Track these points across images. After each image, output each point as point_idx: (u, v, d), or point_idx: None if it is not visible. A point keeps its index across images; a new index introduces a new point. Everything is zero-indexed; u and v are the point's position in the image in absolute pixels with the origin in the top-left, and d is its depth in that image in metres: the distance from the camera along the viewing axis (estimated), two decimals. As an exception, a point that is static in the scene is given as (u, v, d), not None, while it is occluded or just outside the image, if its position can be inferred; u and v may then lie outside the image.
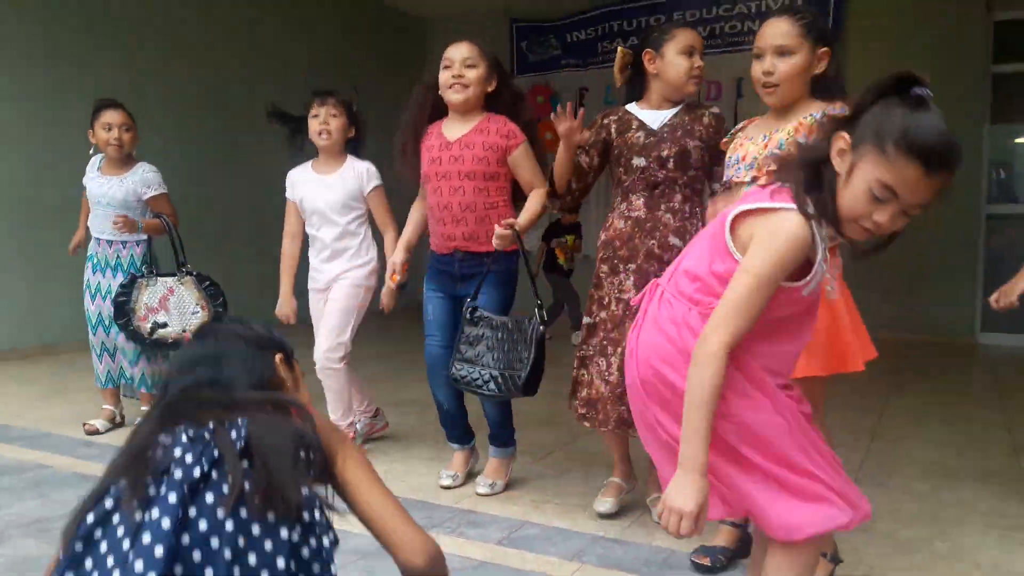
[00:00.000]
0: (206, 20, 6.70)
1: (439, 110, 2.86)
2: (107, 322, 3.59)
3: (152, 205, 3.65)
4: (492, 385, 2.62)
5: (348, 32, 8.13)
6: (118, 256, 3.62)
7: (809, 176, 1.41)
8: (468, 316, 2.71)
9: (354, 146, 3.32)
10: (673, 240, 2.49)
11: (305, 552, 1.13)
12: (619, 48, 2.63)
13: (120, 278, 3.56)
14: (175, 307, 3.48)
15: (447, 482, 2.92)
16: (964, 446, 3.50)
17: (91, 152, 3.72)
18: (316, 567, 1.13)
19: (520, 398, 2.63)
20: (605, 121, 2.64)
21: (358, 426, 3.40)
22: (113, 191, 3.59)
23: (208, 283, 3.57)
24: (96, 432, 3.59)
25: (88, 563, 1.05)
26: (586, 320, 2.63)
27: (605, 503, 2.66)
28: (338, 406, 3.28)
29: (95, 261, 3.67)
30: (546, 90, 8.91)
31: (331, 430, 1.29)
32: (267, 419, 1.19)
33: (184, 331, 3.45)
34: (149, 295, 3.46)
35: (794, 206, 1.37)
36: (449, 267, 2.83)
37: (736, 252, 1.42)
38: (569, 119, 2.49)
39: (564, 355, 6.06)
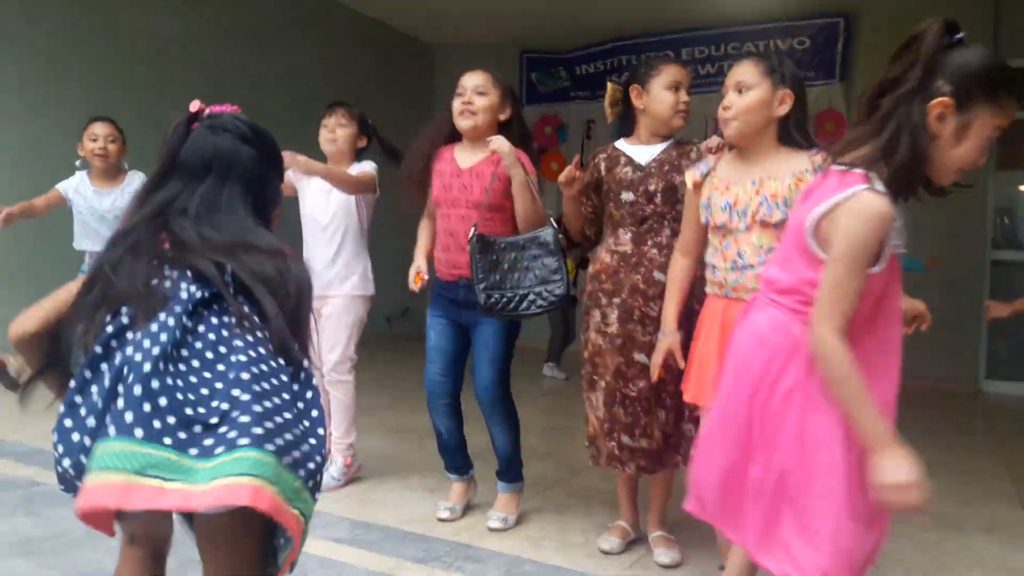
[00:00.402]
0: (217, 47, 6.75)
1: (456, 136, 2.87)
2: None
3: None
4: (540, 302, 2.61)
5: (358, 58, 8.18)
6: None
7: (888, 151, 1.43)
8: (476, 243, 2.64)
9: (360, 153, 3.33)
10: (658, 275, 2.47)
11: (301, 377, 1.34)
12: (608, 84, 2.68)
13: None
14: None
15: (445, 515, 2.87)
16: (970, 497, 3.45)
17: (77, 164, 3.69)
18: (309, 393, 1.33)
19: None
20: (596, 160, 2.67)
21: (334, 467, 3.24)
22: (118, 201, 3.56)
23: None
24: None
25: (104, 366, 1.23)
26: (584, 354, 2.63)
27: (611, 541, 2.62)
28: (343, 421, 3.24)
29: None
30: (554, 120, 8.96)
31: None
32: (262, 260, 1.37)
33: None
34: None
35: (868, 184, 1.39)
36: (454, 294, 2.80)
37: (823, 253, 1.45)
38: (571, 170, 2.54)
39: (563, 390, 6.08)
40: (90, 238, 3.65)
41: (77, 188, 3.67)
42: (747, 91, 2.08)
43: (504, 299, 2.61)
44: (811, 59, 7.64)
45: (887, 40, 7.86)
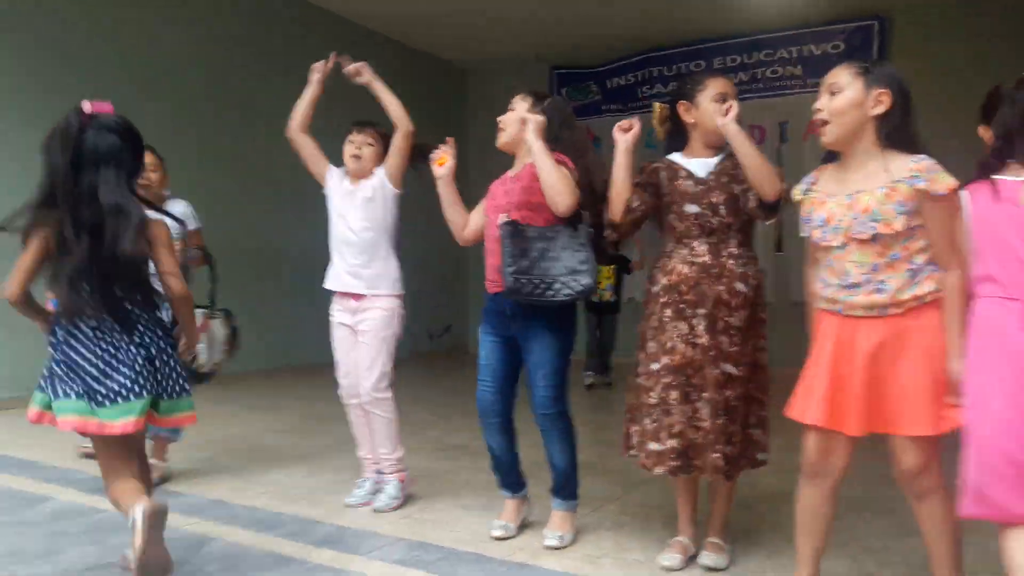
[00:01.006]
0: (252, 65, 6.89)
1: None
2: None
3: (191, 239, 3.68)
4: (566, 290, 2.62)
5: (393, 80, 8.26)
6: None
7: None
8: (506, 228, 2.66)
9: None
10: (739, 286, 2.50)
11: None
12: (655, 104, 2.73)
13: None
14: (207, 340, 3.48)
15: (499, 533, 2.87)
16: None
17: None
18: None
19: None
20: (654, 166, 2.69)
21: (390, 487, 3.25)
22: None
23: (233, 327, 3.58)
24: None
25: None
26: (653, 366, 2.56)
27: (672, 557, 2.60)
28: (389, 438, 3.23)
29: None
30: (587, 135, 8.98)
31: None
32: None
33: (215, 363, 3.46)
34: None
35: None
36: (500, 305, 2.81)
37: None
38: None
39: (614, 403, 6.03)
40: None
41: None
42: (839, 93, 2.05)
43: (531, 284, 2.62)
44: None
45: (922, 41, 7.85)
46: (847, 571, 2.59)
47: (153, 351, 2.31)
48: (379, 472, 3.28)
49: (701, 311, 2.51)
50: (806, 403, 2.12)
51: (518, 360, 2.85)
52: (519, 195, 2.77)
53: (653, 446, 2.52)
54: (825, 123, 2.08)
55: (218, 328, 3.54)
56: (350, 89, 3.16)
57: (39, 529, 2.92)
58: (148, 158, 3.59)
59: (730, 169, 2.57)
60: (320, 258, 3.41)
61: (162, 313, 2.75)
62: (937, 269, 2.01)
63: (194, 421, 2.43)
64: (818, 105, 2.09)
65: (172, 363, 2.37)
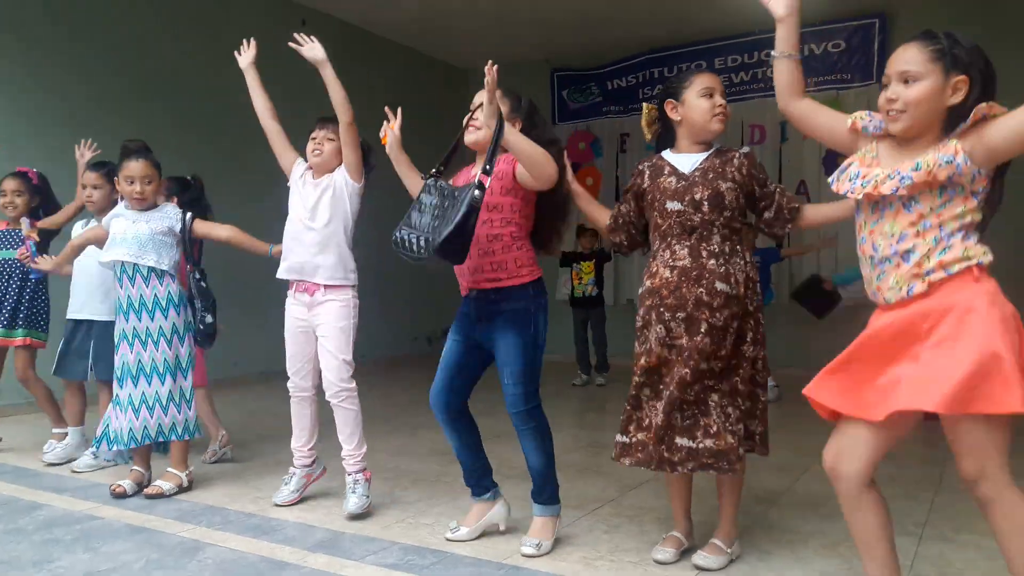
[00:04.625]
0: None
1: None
2: (148, 370, 3.41)
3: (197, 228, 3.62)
4: (417, 245, 2.54)
5: (395, 84, 8.30)
6: (153, 294, 3.44)
7: None
8: (426, 183, 2.64)
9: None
10: (720, 286, 2.50)
11: None
12: (644, 105, 2.73)
13: (156, 317, 3.43)
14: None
15: (448, 534, 2.87)
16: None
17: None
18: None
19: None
20: (640, 168, 2.71)
21: (360, 487, 3.21)
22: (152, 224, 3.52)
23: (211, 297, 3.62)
24: (124, 494, 3.41)
25: None
26: (641, 362, 2.61)
27: (665, 552, 2.61)
28: (354, 433, 3.21)
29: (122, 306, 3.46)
30: (587, 136, 8.97)
31: None
32: None
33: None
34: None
35: None
36: (467, 307, 2.81)
37: None
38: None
39: (608, 403, 6.01)
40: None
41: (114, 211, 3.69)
42: (915, 82, 1.84)
43: (406, 239, 2.58)
44: (847, 61, 7.53)
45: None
46: (836, 571, 2.57)
47: None
48: (346, 472, 3.23)
49: (680, 314, 2.52)
50: (817, 380, 1.96)
51: (476, 363, 2.84)
52: (487, 197, 2.62)
53: (620, 438, 2.62)
54: (900, 111, 1.86)
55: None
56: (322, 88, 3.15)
57: (33, 537, 2.91)
58: (142, 169, 3.47)
59: (717, 166, 2.56)
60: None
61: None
62: (968, 237, 1.84)
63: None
64: (891, 95, 1.87)
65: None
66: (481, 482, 2.92)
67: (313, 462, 3.40)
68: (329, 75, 3.15)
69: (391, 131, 2.97)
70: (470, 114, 2.77)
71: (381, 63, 8.20)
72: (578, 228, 7.00)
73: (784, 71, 2.10)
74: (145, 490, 3.45)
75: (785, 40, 2.09)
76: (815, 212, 2.61)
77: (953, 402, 1.70)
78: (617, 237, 2.81)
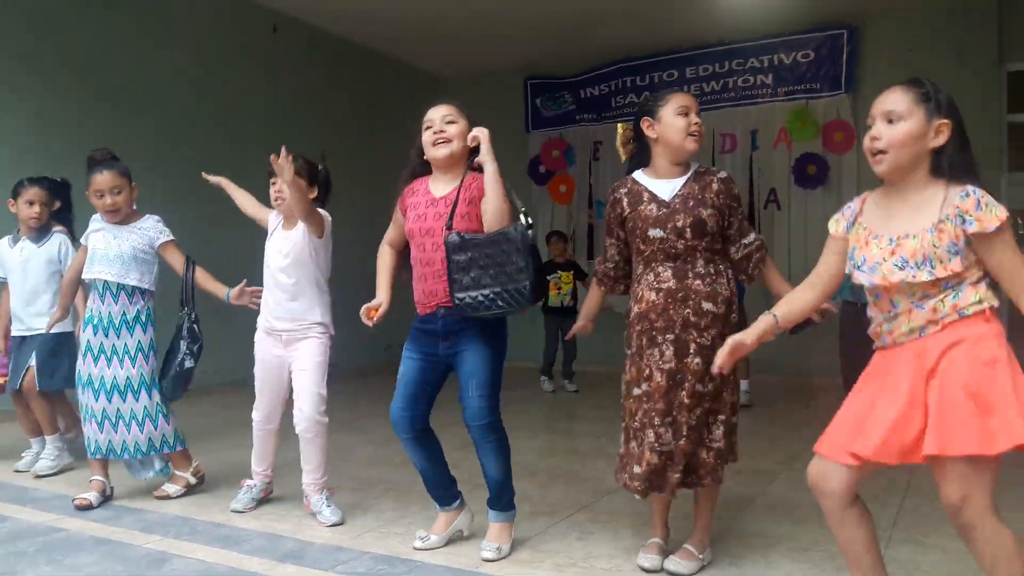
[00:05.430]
0: (225, 80, 6.84)
1: (426, 170, 2.87)
2: (122, 387, 3.40)
3: (164, 250, 3.52)
4: (499, 302, 2.57)
5: (367, 91, 8.27)
6: (126, 312, 3.44)
7: None
8: (448, 242, 2.62)
9: (319, 204, 3.30)
10: (706, 305, 2.53)
11: None
12: (618, 125, 2.76)
13: (124, 335, 3.42)
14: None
15: (416, 544, 2.85)
16: (1001, 502, 3.36)
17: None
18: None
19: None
20: (617, 195, 2.72)
21: (328, 509, 3.22)
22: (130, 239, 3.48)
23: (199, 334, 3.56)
24: (90, 506, 3.34)
25: None
26: (635, 391, 2.60)
27: (651, 559, 2.61)
28: (322, 463, 3.24)
29: (93, 320, 3.44)
30: (561, 144, 8.99)
31: None
32: None
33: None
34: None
35: None
36: (432, 325, 2.77)
37: None
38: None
39: (581, 411, 6.01)
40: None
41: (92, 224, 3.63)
42: (898, 121, 1.90)
43: (475, 300, 2.59)
44: (816, 71, 7.64)
45: (892, 49, 7.92)
46: (806, 574, 2.59)
47: None
48: (310, 495, 3.25)
49: (669, 336, 2.53)
50: (837, 438, 1.96)
51: (438, 379, 2.83)
52: (455, 221, 2.66)
53: (637, 469, 2.55)
54: (881, 152, 1.91)
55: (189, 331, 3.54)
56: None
57: (-6, 549, 2.85)
58: (109, 180, 3.37)
59: (696, 192, 2.58)
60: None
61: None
62: (981, 282, 1.90)
63: None
64: (874, 133, 1.92)
65: None
66: (449, 492, 2.91)
67: (271, 480, 3.50)
68: (293, 188, 3.03)
69: (376, 313, 2.88)
70: (439, 131, 2.75)
71: (353, 70, 8.18)
72: (547, 236, 7.03)
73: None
74: (154, 494, 3.51)
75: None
76: (779, 286, 2.62)
77: (971, 445, 1.77)
78: (618, 288, 2.81)
